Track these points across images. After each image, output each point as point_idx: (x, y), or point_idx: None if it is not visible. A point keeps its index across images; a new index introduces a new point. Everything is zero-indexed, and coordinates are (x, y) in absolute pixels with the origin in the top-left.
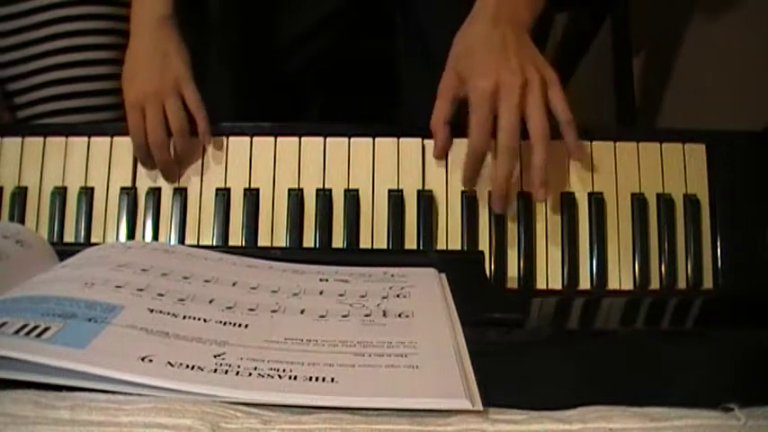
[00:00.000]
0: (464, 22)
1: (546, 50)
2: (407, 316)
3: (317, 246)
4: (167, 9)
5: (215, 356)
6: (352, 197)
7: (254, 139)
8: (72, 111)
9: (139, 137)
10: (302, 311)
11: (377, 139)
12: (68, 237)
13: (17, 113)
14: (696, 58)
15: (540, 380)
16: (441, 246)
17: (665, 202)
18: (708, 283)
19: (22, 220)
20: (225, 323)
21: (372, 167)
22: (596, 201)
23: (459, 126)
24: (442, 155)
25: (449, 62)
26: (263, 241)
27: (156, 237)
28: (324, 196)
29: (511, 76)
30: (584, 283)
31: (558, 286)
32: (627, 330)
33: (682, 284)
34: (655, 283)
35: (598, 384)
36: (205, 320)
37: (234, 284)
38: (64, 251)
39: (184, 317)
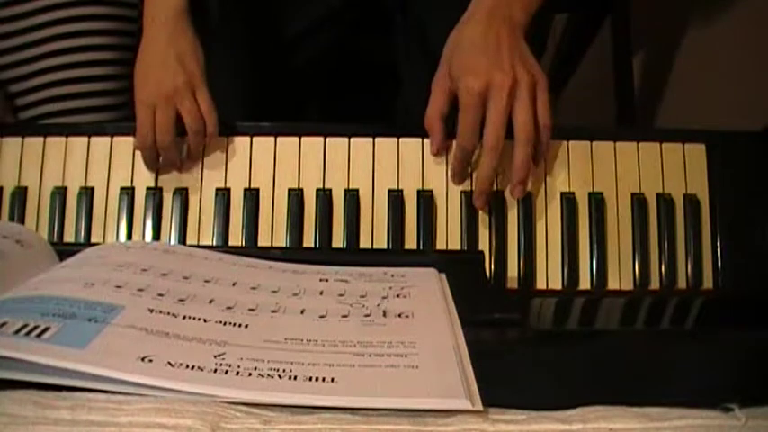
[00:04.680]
0: (459, 21)
1: (546, 50)
2: (407, 316)
3: (317, 246)
4: (182, 2)
5: (215, 356)
6: (352, 197)
7: (254, 139)
8: (75, 111)
9: (148, 136)
10: (302, 311)
11: (377, 139)
12: (68, 237)
13: (20, 115)
14: (696, 58)
15: (540, 380)
16: (441, 246)
17: (665, 202)
18: (708, 283)
19: (22, 220)
20: (225, 323)
21: (372, 167)
22: (596, 201)
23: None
24: (440, 151)
25: (443, 59)
26: (263, 241)
27: (156, 237)
28: (324, 196)
29: (501, 75)
30: (585, 283)
31: (558, 286)
32: (627, 330)
33: (682, 284)
34: (655, 283)
35: (598, 384)
36: (205, 320)
37: (234, 284)
38: (64, 251)
39: (184, 317)
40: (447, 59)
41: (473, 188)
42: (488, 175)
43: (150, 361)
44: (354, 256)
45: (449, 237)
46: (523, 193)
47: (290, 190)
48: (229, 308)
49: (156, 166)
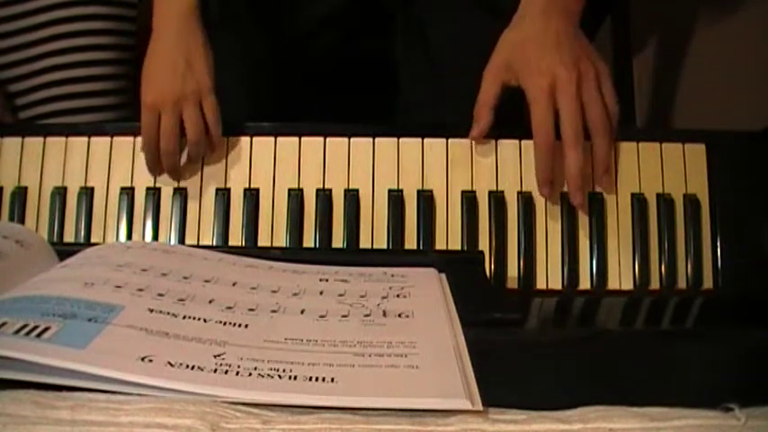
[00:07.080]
0: (516, 16)
1: None
2: (407, 316)
3: (317, 246)
4: (192, 3)
5: (215, 356)
6: (352, 197)
7: (254, 139)
8: (74, 111)
9: (152, 140)
10: (302, 311)
11: (377, 139)
12: (68, 237)
13: (19, 114)
14: (696, 58)
15: (540, 380)
16: (441, 246)
17: (665, 202)
18: (708, 283)
19: (22, 220)
20: (225, 323)
21: (372, 167)
22: (596, 201)
23: (455, 125)
24: (480, 138)
25: (498, 50)
26: (263, 241)
27: (156, 237)
28: (324, 196)
29: (566, 71)
30: (585, 283)
31: (558, 286)
32: (627, 330)
33: (682, 284)
34: (655, 283)
35: (598, 384)
36: (205, 320)
37: (234, 284)
38: (64, 251)
39: (184, 317)
40: (504, 52)
41: (473, 187)
42: (578, 171)
43: (150, 361)
44: (354, 256)
45: (449, 237)
46: (611, 184)
47: (290, 190)
48: (229, 308)
49: (157, 170)
